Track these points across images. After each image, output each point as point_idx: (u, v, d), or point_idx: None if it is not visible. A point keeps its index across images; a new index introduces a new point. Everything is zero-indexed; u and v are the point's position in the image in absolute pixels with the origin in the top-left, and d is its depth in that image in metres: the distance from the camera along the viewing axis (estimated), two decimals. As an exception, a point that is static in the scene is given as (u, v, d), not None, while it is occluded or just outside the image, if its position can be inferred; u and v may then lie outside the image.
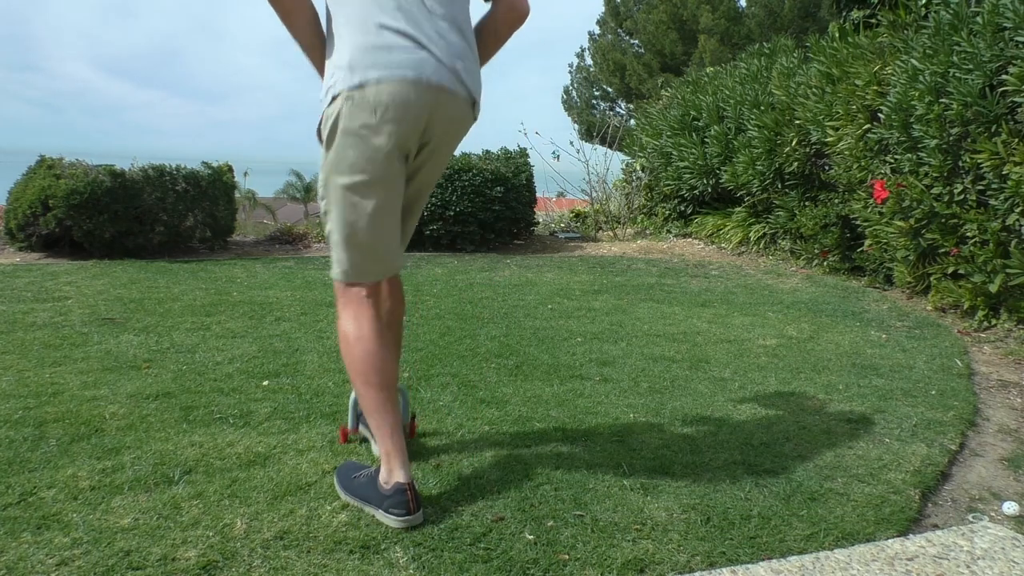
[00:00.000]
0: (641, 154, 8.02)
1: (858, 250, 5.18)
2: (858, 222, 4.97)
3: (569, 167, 8.82)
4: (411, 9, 1.74)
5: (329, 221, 1.85)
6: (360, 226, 1.82)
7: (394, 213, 1.86)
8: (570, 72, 20.10)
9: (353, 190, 1.78)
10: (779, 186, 6.03)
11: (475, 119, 1.90)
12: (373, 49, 1.71)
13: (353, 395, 2.18)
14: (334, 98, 1.74)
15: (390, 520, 1.78)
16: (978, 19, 3.94)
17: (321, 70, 1.84)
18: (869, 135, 4.71)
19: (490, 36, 1.95)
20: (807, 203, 5.76)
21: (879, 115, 4.62)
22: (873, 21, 5.71)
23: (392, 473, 1.82)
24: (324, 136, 1.79)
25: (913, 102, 4.19)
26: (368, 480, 1.88)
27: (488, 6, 1.95)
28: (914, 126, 4.21)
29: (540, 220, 8.09)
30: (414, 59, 1.72)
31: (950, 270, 4.16)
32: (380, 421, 1.84)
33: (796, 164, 5.76)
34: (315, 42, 1.83)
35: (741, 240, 6.52)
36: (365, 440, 2.20)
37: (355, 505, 1.87)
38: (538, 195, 7.42)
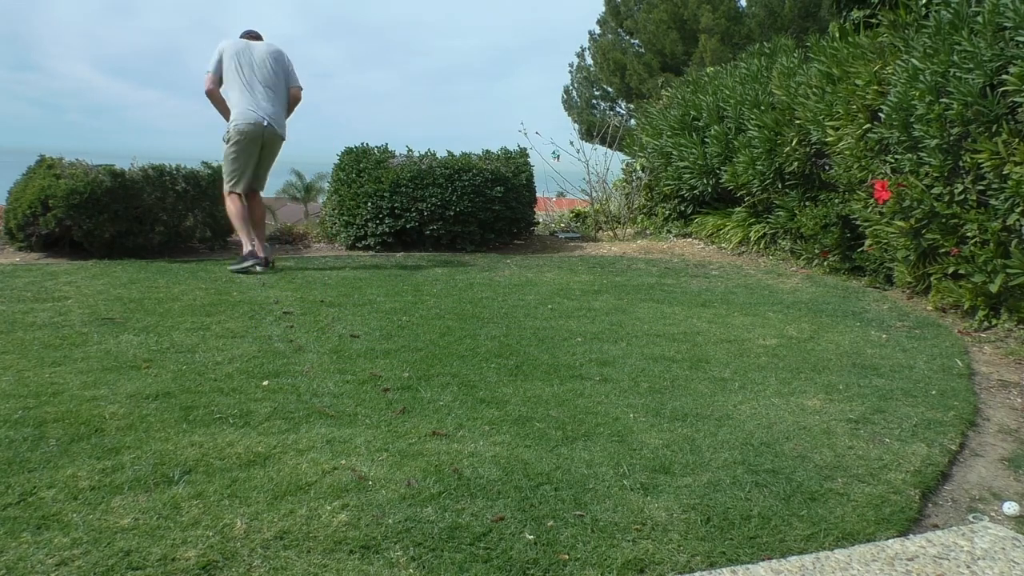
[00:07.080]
0: (641, 154, 8.02)
1: (858, 250, 5.18)
2: (858, 222, 4.97)
3: (569, 167, 8.80)
4: (256, 98, 5.13)
5: (224, 170, 5.31)
6: (235, 169, 5.22)
7: (249, 166, 5.22)
8: (570, 72, 20.10)
9: (233, 157, 5.19)
10: (779, 186, 6.02)
11: (283, 138, 5.34)
12: (242, 112, 5.12)
13: (235, 263, 5.16)
14: (229, 129, 5.15)
15: (249, 262, 5.04)
16: (978, 19, 3.94)
17: (227, 118, 5.19)
18: (869, 135, 4.71)
19: (289, 106, 5.43)
20: (807, 203, 5.75)
21: (879, 115, 4.62)
22: (873, 21, 5.69)
23: (248, 248, 5.11)
24: (225, 139, 5.18)
25: (913, 102, 4.18)
26: (239, 257, 5.17)
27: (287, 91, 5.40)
28: (914, 126, 4.21)
29: (540, 220, 8.08)
30: (255, 115, 5.12)
31: (950, 270, 4.15)
32: (242, 233, 5.21)
33: (796, 164, 5.75)
34: (224, 109, 5.21)
35: (741, 240, 6.52)
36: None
37: (239, 271, 5.02)
38: (538, 195, 7.41)
